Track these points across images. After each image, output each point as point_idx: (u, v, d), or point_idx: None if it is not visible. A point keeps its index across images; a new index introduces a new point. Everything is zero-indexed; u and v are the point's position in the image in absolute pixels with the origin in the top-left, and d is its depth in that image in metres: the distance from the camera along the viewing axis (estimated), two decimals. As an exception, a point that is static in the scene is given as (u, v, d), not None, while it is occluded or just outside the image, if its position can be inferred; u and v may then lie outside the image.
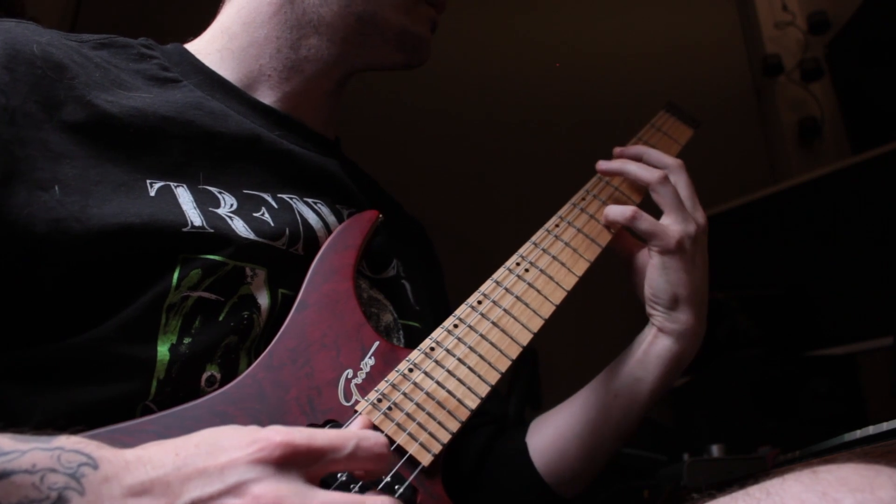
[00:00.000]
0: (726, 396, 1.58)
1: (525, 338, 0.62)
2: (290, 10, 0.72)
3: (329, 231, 0.67)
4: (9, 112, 0.55)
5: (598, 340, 1.40)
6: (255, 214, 0.63)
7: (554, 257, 0.68)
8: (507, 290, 0.65)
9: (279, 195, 0.67)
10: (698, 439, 1.46)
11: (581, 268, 0.69)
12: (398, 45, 0.74)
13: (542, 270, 0.67)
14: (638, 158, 0.76)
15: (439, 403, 0.56)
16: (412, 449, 0.53)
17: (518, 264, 0.67)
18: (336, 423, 0.54)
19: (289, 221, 0.65)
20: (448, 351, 0.60)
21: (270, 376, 0.55)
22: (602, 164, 0.77)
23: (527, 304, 0.64)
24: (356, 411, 0.55)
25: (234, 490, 0.39)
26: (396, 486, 0.52)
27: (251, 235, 0.61)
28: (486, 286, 0.65)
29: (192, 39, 0.76)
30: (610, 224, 0.72)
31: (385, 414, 0.55)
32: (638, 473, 1.34)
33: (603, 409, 0.72)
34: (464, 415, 0.56)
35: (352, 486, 0.51)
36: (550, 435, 0.75)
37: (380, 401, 0.55)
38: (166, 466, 0.40)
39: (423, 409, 0.56)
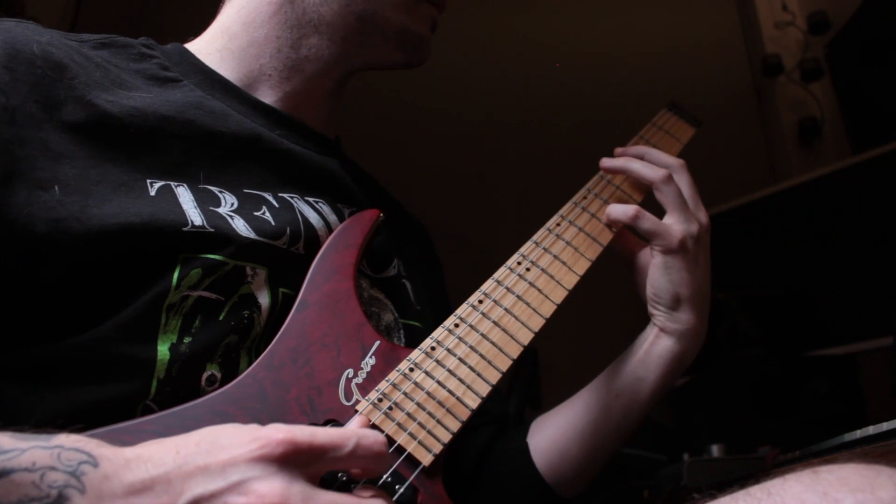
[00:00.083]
0: (726, 396, 1.58)
1: (526, 337, 0.62)
2: (290, 10, 0.72)
3: (330, 230, 0.67)
4: (9, 112, 0.55)
5: (599, 340, 1.40)
6: (255, 213, 0.63)
7: (555, 256, 0.68)
8: (508, 289, 0.65)
9: (280, 194, 0.67)
10: (698, 439, 1.46)
11: (582, 267, 0.69)
12: (398, 44, 0.74)
13: (543, 269, 0.67)
14: (640, 158, 0.76)
15: (440, 403, 0.56)
16: (413, 449, 0.53)
17: (519, 263, 0.67)
18: (337, 423, 0.54)
19: (290, 220, 0.65)
20: (449, 350, 0.60)
21: (271, 376, 0.55)
22: (605, 162, 0.77)
23: (528, 304, 0.64)
24: (357, 411, 0.55)
25: (236, 488, 0.39)
26: (397, 486, 0.52)
27: (252, 235, 0.61)
28: (488, 285, 0.65)
29: (192, 39, 0.76)
30: (612, 223, 0.72)
31: (386, 413, 0.55)
32: (638, 473, 1.34)
33: (604, 408, 0.72)
34: (465, 414, 0.56)
35: (352, 486, 0.50)
36: (551, 435, 0.75)
37: (380, 400, 0.55)
38: (167, 464, 0.39)
39: (423, 409, 0.56)
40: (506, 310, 0.63)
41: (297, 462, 0.41)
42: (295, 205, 0.67)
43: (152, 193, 0.59)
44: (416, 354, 0.59)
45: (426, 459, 0.53)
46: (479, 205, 2.30)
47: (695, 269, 0.69)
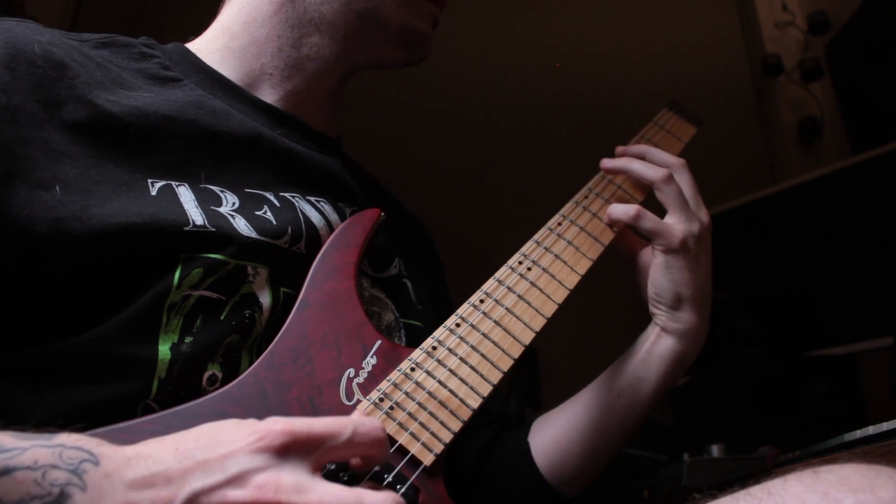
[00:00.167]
0: (726, 396, 1.58)
1: (527, 336, 0.62)
2: (290, 9, 0.72)
3: (332, 229, 0.67)
4: (10, 111, 0.55)
5: (600, 340, 1.40)
6: (257, 213, 0.63)
7: (556, 255, 0.68)
8: (509, 288, 0.65)
9: (281, 193, 0.67)
10: (698, 439, 1.46)
11: (584, 266, 0.69)
12: (399, 42, 0.74)
13: (544, 269, 0.67)
14: (641, 157, 0.76)
15: (441, 403, 0.56)
16: (414, 449, 0.53)
17: (520, 263, 0.67)
18: (338, 423, 0.54)
19: (291, 220, 0.65)
20: (450, 350, 0.60)
21: (272, 375, 0.55)
22: (606, 162, 0.77)
23: (529, 303, 0.64)
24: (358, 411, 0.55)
25: (235, 480, 0.39)
26: (398, 486, 0.52)
27: (253, 234, 0.61)
28: (489, 285, 0.65)
29: (192, 39, 0.76)
30: (613, 223, 0.72)
31: (387, 413, 0.55)
32: (638, 473, 1.34)
33: (605, 408, 0.72)
34: (466, 414, 0.56)
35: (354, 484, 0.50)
36: (553, 434, 0.75)
37: (381, 400, 0.55)
38: (167, 461, 0.40)
39: (425, 409, 0.56)
40: (507, 309, 0.63)
41: (296, 452, 0.41)
42: (296, 204, 0.67)
43: (153, 193, 0.59)
44: (417, 354, 0.59)
45: (427, 459, 0.53)
46: (479, 205, 2.30)
47: (696, 268, 0.69)
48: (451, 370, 0.58)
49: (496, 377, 0.59)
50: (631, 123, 0.87)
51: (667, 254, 0.69)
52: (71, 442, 0.40)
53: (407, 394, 0.56)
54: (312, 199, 0.69)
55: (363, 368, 0.57)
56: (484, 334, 0.61)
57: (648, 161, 0.75)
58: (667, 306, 0.70)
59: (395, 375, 0.57)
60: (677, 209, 0.70)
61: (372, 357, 0.58)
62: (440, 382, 0.57)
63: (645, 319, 0.73)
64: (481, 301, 0.64)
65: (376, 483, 0.51)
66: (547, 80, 2.39)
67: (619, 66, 2.40)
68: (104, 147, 0.59)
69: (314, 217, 0.67)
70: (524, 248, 0.69)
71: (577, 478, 0.74)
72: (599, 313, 1.76)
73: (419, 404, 0.56)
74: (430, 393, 0.57)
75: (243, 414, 0.52)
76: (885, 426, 0.68)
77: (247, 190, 0.65)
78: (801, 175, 1.88)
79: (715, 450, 1.07)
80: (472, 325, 0.62)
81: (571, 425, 0.74)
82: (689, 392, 1.67)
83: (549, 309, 0.65)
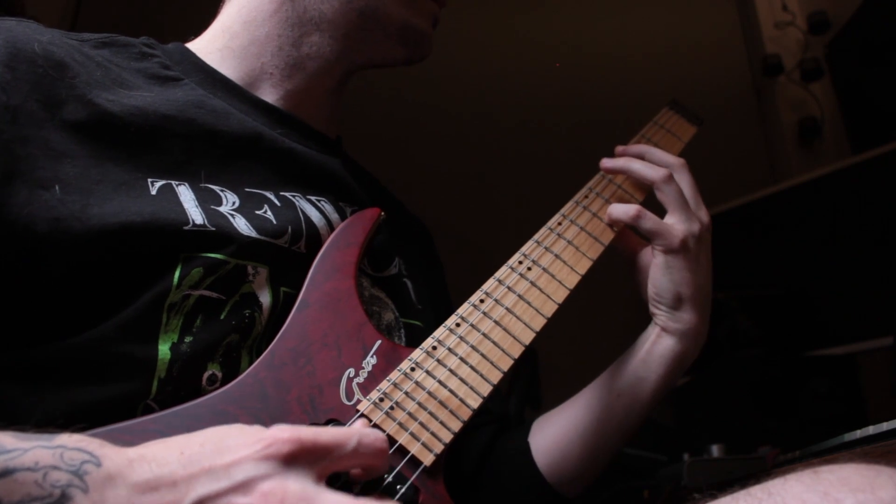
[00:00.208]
0: (726, 396, 1.58)
1: (528, 336, 0.62)
2: (290, 8, 0.72)
3: (333, 229, 0.67)
4: (10, 111, 0.55)
5: (600, 340, 1.40)
6: (257, 212, 0.63)
7: (557, 255, 0.68)
8: (509, 288, 0.65)
9: (282, 193, 0.67)
10: (698, 439, 1.46)
11: (584, 266, 0.69)
12: (400, 40, 0.74)
13: (544, 269, 0.67)
14: (641, 157, 0.76)
15: (441, 403, 0.56)
16: (414, 449, 0.53)
17: (521, 262, 0.67)
18: (338, 423, 0.54)
19: (291, 219, 0.65)
20: (450, 350, 0.60)
21: (272, 375, 0.55)
22: (606, 162, 0.77)
23: (529, 303, 0.64)
24: (358, 410, 0.54)
25: (241, 487, 0.39)
26: (398, 487, 0.52)
27: (253, 233, 0.61)
28: (489, 284, 0.65)
29: (193, 39, 0.76)
30: (613, 222, 0.72)
31: (387, 413, 0.54)
32: (638, 473, 1.34)
33: (606, 408, 0.72)
34: (466, 414, 0.56)
35: (354, 488, 0.50)
36: (553, 434, 0.75)
37: (382, 400, 0.55)
38: (171, 464, 0.39)
39: (425, 409, 0.56)
40: (507, 309, 0.63)
41: (302, 461, 0.41)
42: (297, 203, 0.67)
43: (153, 192, 0.59)
44: (417, 354, 0.59)
45: (427, 459, 0.53)
46: (479, 205, 2.30)
47: (696, 268, 0.69)
48: (451, 370, 0.58)
49: (496, 377, 0.59)
50: (631, 123, 0.87)
51: (667, 254, 0.69)
52: (72, 443, 0.40)
53: (407, 394, 0.56)
54: (313, 198, 0.69)
55: (363, 368, 0.57)
56: (484, 334, 0.61)
57: (648, 161, 0.75)
58: (667, 306, 0.70)
59: (395, 375, 0.57)
60: (677, 209, 0.70)
61: (372, 357, 0.58)
62: (440, 382, 0.57)
63: (645, 319, 0.73)
64: (481, 301, 0.64)
65: (376, 484, 0.51)
66: (547, 80, 2.39)
67: (619, 66, 2.40)
68: (104, 146, 0.58)
69: (315, 216, 0.67)
70: (524, 248, 0.69)
71: (578, 478, 0.74)
72: (599, 313, 1.76)
73: (419, 404, 0.56)
74: (430, 393, 0.56)
75: (243, 414, 0.52)
76: (885, 426, 0.68)
77: (247, 189, 0.65)
78: (801, 175, 1.88)
79: (715, 450, 1.07)
80: (472, 325, 0.62)
81: (571, 425, 0.74)
82: (689, 392, 1.67)
83: (550, 309, 0.64)
